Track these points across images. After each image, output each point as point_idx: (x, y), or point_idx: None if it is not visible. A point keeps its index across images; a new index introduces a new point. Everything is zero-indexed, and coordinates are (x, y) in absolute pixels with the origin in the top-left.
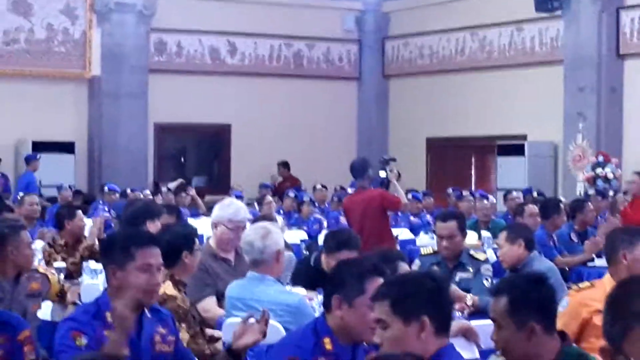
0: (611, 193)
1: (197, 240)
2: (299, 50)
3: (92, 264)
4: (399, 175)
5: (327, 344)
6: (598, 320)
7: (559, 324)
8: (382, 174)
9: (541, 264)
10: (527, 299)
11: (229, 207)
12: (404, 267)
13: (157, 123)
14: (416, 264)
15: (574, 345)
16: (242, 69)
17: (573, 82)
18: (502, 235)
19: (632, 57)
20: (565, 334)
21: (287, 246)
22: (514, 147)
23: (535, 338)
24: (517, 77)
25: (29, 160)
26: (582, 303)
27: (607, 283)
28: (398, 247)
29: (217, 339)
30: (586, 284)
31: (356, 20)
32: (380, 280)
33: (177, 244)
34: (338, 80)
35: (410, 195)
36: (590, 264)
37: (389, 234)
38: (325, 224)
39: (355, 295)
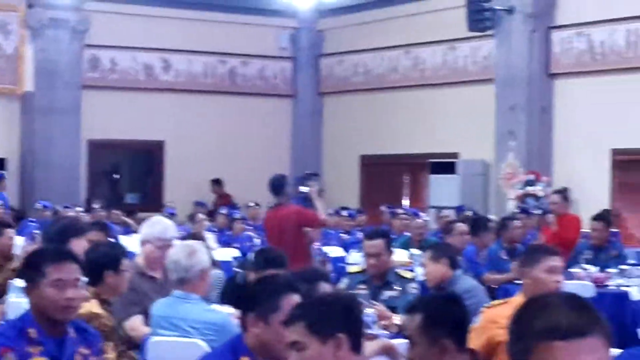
0: (540, 212)
1: (123, 260)
2: (233, 67)
3: (19, 282)
4: (322, 190)
5: None
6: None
7: (470, 340)
8: (304, 189)
9: (465, 282)
10: (440, 317)
11: (157, 225)
12: (325, 287)
13: (90, 139)
14: (344, 282)
15: None
16: (176, 85)
17: (504, 100)
18: (427, 254)
19: (562, 77)
20: (475, 351)
21: (216, 264)
22: (446, 165)
23: (447, 355)
24: (449, 95)
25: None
26: (492, 320)
27: (519, 300)
28: (329, 265)
29: None
30: (499, 301)
31: (291, 38)
32: (295, 297)
33: (100, 263)
34: (272, 98)
35: (346, 213)
36: (518, 281)
37: (305, 251)
38: (257, 241)
39: (270, 312)
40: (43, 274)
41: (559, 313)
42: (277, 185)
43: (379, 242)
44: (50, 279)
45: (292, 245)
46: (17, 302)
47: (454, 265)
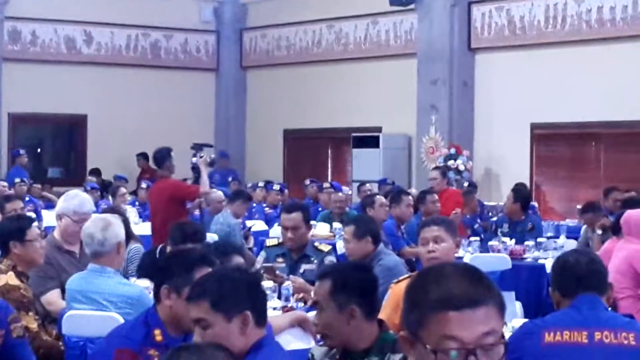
0: (465, 184)
1: (29, 231)
2: (156, 40)
3: None
4: (211, 161)
5: (158, 335)
6: None
7: (383, 315)
8: (194, 159)
9: (388, 257)
10: (349, 283)
11: (73, 199)
12: (238, 260)
13: (11, 113)
14: (262, 255)
15: (391, 332)
16: (99, 59)
17: (426, 75)
18: (349, 230)
19: (483, 51)
20: (383, 321)
21: (136, 238)
22: (369, 139)
23: (354, 322)
24: (372, 69)
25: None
26: (401, 295)
27: None
28: (251, 239)
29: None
30: (405, 276)
31: (214, 11)
32: (209, 270)
33: (5, 234)
34: (196, 71)
35: (277, 187)
36: None
37: None
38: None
39: (183, 285)
40: None
41: (452, 283)
42: (159, 159)
43: (296, 215)
44: None
45: (164, 220)
46: None
47: (376, 241)
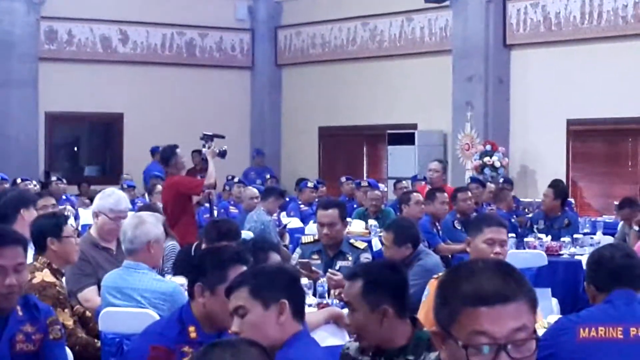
0: (501, 180)
1: (66, 227)
2: (191, 39)
3: None
4: (222, 153)
5: (192, 332)
6: None
7: (422, 312)
8: (203, 150)
9: (428, 258)
10: (381, 283)
11: (110, 197)
12: (274, 257)
13: (48, 112)
14: (297, 252)
15: (426, 330)
16: (134, 57)
17: (461, 72)
18: (389, 237)
19: (518, 48)
20: (417, 319)
21: (172, 235)
22: (404, 136)
23: (387, 321)
24: (407, 66)
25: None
26: None
27: None
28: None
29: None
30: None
31: (249, 9)
32: (243, 268)
33: (43, 232)
34: (231, 69)
35: (311, 184)
36: None
37: (189, 221)
38: (215, 213)
39: (216, 283)
40: None
41: (483, 279)
42: (164, 157)
43: (332, 212)
44: None
45: (173, 216)
46: None
47: (416, 245)
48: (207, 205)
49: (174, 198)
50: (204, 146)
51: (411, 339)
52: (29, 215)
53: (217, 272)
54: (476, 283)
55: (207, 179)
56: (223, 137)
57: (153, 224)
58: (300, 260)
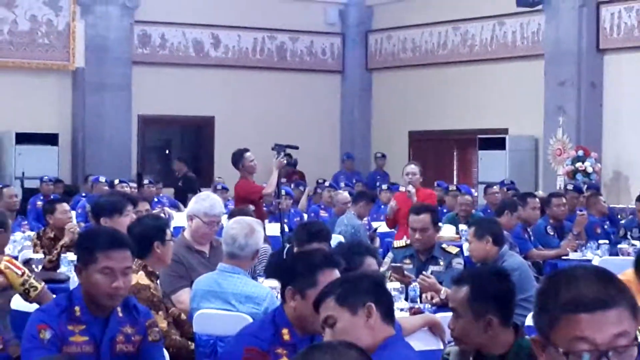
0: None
1: (168, 231)
2: (282, 43)
3: (70, 256)
4: (293, 162)
5: (285, 334)
6: None
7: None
8: (273, 160)
9: (512, 259)
10: (487, 291)
11: (204, 201)
12: (370, 262)
13: (141, 115)
14: (389, 257)
15: (527, 337)
16: (226, 61)
17: (553, 76)
18: (471, 230)
19: (612, 52)
20: (519, 327)
21: (265, 239)
22: (495, 141)
23: (491, 330)
24: (498, 71)
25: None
26: None
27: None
28: (377, 240)
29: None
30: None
31: (339, 14)
32: (334, 272)
33: (148, 235)
34: (321, 73)
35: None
36: (565, 257)
37: None
38: (305, 217)
39: (306, 287)
40: (94, 259)
41: (583, 285)
42: (234, 160)
43: (424, 217)
44: (100, 266)
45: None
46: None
47: (498, 242)
48: (276, 213)
49: (240, 200)
50: (275, 157)
51: (512, 347)
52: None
53: (307, 276)
54: (576, 289)
55: (266, 188)
56: (297, 147)
57: (261, 233)
58: (392, 264)
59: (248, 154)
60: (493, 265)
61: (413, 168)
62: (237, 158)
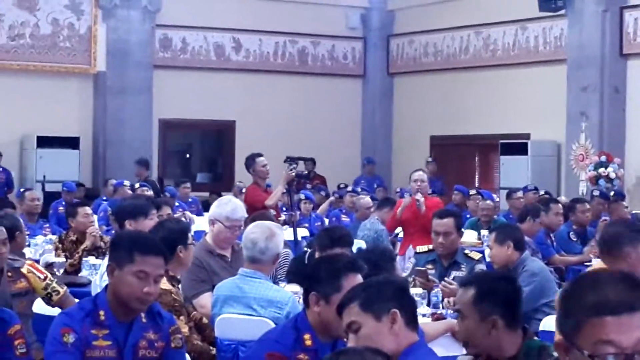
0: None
1: (190, 235)
2: (303, 47)
3: (92, 260)
4: (300, 175)
5: (307, 340)
6: None
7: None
8: (283, 172)
9: (533, 264)
10: (492, 293)
11: (226, 205)
12: (395, 267)
13: (161, 119)
14: (411, 261)
15: (536, 338)
16: (247, 65)
17: (576, 81)
18: (492, 236)
19: (635, 57)
20: (527, 329)
21: (285, 244)
22: (517, 146)
23: (495, 332)
24: (520, 76)
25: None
26: None
27: None
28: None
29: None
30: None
31: (361, 18)
32: (357, 277)
33: (172, 239)
34: (342, 78)
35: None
36: (588, 263)
37: None
38: (326, 222)
39: (331, 292)
40: (132, 260)
41: (608, 289)
42: (246, 164)
43: (448, 221)
44: (136, 269)
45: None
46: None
47: (519, 247)
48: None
49: (247, 207)
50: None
51: (520, 349)
52: (149, 223)
53: (332, 281)
54: (601, 293)
55: (268, 200)
56: (309, 159)
57: (282, 237)
58: (417, 268)
59: (260, 158)
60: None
61: (421, 175)
62: (249, 162)
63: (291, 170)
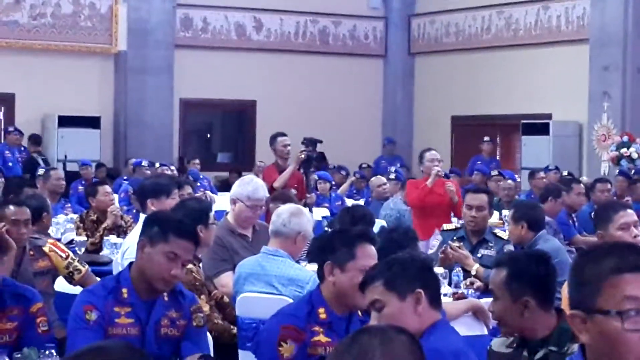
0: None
1: (211, 215)
2: (324, 27)
3: (113, 239)
4: (311, 157)
5: (322, 313)
6: None
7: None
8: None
9: (546, 244)
10: (525, 274)
11: (248, 185)
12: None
13: (182, 99)
14: (438, 239)
15: None
16: (268, 45)
17: (598, 61)
18: (510, 213)
19: None
20: (562, 310)
21: None
22: (538, 126)
23: (528, 312)
24: (542, 55)
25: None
26: None
27: None
28: None
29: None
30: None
31: None
32: (371, 247)
33: (194, 219)
34: (363, 58)
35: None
36: None
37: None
38: (347, 201)
39: (345, 260)
40: (166, 240)
41: (625, 251)
42: (269, 143)
43: (483, 196)
44: (168, 249)
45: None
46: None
47: (533, 227)
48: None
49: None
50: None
51: (554, 330)
52: (171, 202)
53: (345, 249)
54: (618, 254)
55: (277, 181)
56: (320, 141)
57: (308, 220)
58: (450, 242)
59: (282, 137)
60: (535, 249)
61: (435, 154)
62: (272, 141)
63: (302, 152)
